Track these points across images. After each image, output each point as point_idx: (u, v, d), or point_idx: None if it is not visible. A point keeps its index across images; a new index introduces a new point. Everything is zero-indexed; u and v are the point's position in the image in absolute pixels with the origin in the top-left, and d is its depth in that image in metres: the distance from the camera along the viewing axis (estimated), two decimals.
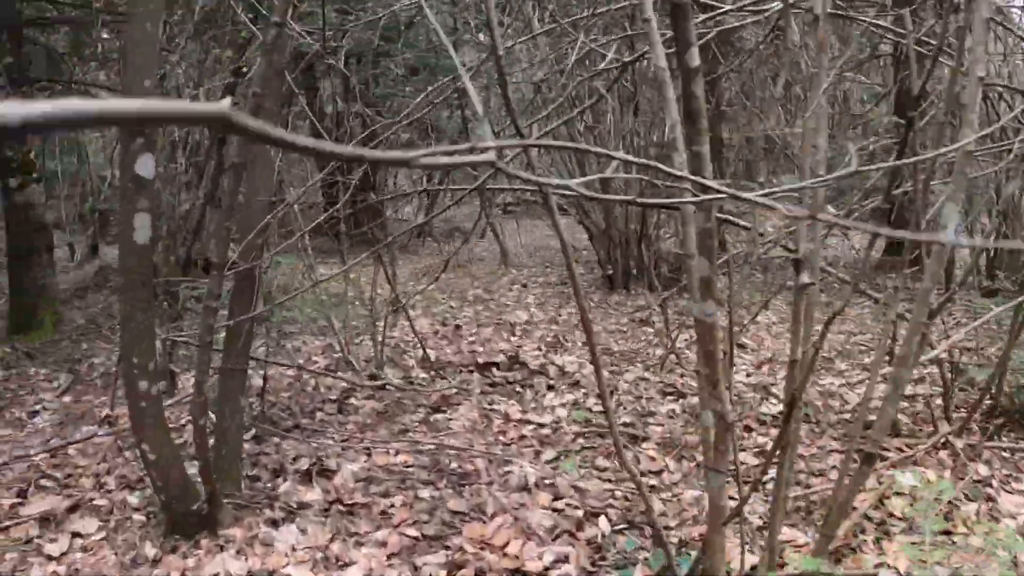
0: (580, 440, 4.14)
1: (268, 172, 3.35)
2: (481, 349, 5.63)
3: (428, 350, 5.32)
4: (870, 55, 9.06)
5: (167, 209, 6.01)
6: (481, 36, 11.74)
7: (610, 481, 3.67)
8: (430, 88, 4.54)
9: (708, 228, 1.81)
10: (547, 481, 3.56)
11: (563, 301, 7.62)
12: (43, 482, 3.66)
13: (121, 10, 7.12)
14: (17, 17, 6.83)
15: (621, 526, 3.26)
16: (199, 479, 3.08)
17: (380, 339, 5.09)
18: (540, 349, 5.66)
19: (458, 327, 6.31)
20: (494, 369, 5.13)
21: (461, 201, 6.04)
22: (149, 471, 3.00)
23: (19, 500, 3.46)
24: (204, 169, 6.87)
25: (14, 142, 6.61)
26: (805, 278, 1.88)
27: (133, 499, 3.42)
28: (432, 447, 3.92)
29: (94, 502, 3.43)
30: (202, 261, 7.01)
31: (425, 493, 3.41)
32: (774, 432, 4.15)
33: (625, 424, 4.35)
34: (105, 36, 8.65)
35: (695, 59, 1.64)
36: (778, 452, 2.10)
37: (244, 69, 5.82)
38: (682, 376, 5.14)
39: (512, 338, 6.03)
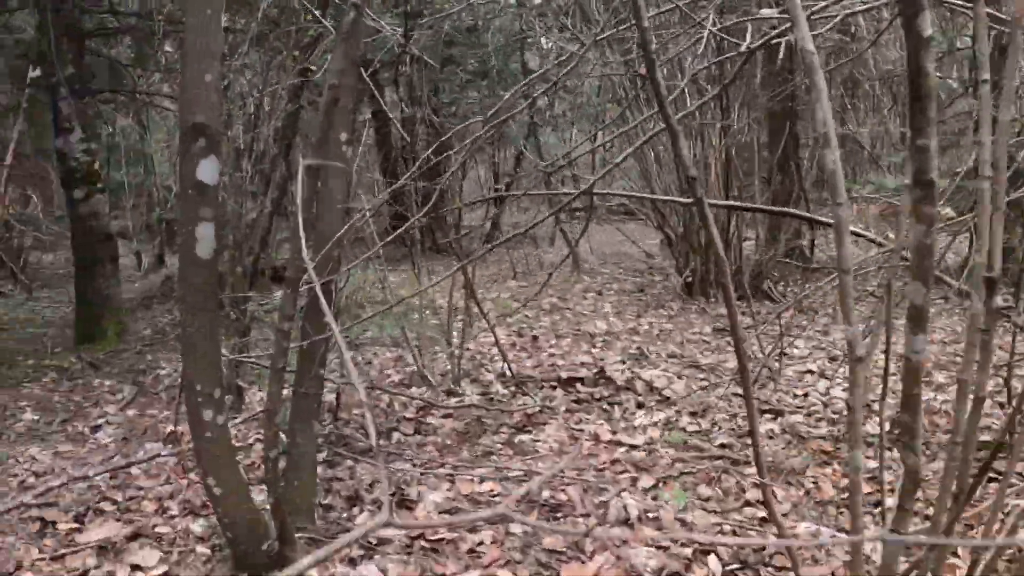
0: (678, 465, 3.79)
1: (343, 177, 3.07)
2: (562, 362, 5.29)
3: (509, 364, 4.99)
4: (948, 50, 8.51)
5: (233, 218, 5.80)
6: (544, 40, 11.45)
7: (716, 512, 3.32)
8: (506, 95, 4.26)
9: (928, 244, 1.44)
10: (649, 514, 3.22)
11: (641, 309, 7.26)
12: (102, 505, 3.43)
13: (183, 20, 6.97)
14: (79, 28, 6.74)
15: (733, 566, 2.91)
16: (268, 507, 2.81)
17: (457, 352, 4.80)
18: (624, 362, 5.30)
19: (535, 338, 6.00)
20: (578, 385, 4.79)
21: (530, 206, 5.77)
22: (215, 506, 2.73)
23: (76, 526, 3.24)
24: (271, 177, 6.67)
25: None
26: (999, 300, 1.53)
27: (197, 527, 3.18)
28: (520, 473, 3.60)
29: (156, 529, 3.18)
30: (270, 271, 6.82)
31: (516, 528, 3.09)
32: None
33: (722, 446, 4.00)
34: (168, 49, 8.59)
35: (927, 26, 1.29)
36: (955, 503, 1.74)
37: (312, 69, 5.59)
38: (776, 391, 4.76)
39: (593, 350, 5.69)
